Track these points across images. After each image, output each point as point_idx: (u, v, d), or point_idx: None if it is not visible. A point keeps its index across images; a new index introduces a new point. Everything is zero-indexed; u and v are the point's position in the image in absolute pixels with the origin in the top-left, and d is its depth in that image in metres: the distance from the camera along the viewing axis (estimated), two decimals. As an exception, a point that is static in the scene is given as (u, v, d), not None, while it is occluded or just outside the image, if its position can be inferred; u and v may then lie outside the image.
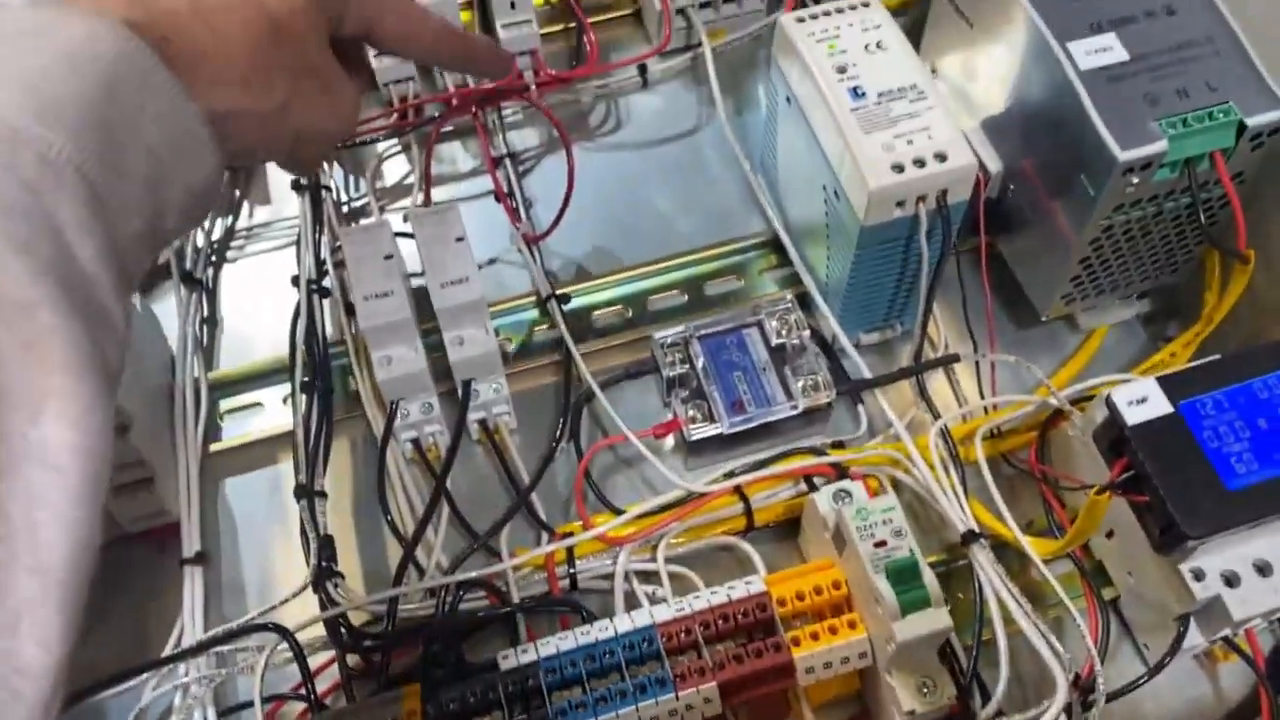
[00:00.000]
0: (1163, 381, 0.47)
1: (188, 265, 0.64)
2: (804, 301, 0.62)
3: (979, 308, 0.60)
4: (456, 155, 0.71)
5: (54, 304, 0.26)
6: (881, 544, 0.47)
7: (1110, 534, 0.51)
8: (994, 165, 0.59)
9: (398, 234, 0.57)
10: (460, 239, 0.55)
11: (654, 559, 0.53)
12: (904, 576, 0.45)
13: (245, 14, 0.36)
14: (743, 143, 0.68)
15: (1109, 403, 0.47)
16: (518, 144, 0.71)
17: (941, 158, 0.51)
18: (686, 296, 0.64)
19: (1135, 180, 0.51)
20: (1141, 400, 0.46)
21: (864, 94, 0.53)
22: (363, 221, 0.56)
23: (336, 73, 0.41)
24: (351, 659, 0.50)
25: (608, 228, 0.67)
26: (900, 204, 0.52)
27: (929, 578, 0.46)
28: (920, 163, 0.51)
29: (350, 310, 0.60)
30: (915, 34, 0.65)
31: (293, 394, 0.57)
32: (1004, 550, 0.53)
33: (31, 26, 0.31)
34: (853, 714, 0.51)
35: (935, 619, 0.45)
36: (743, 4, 0.72)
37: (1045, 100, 0.54)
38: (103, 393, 0.27)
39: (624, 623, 0.48)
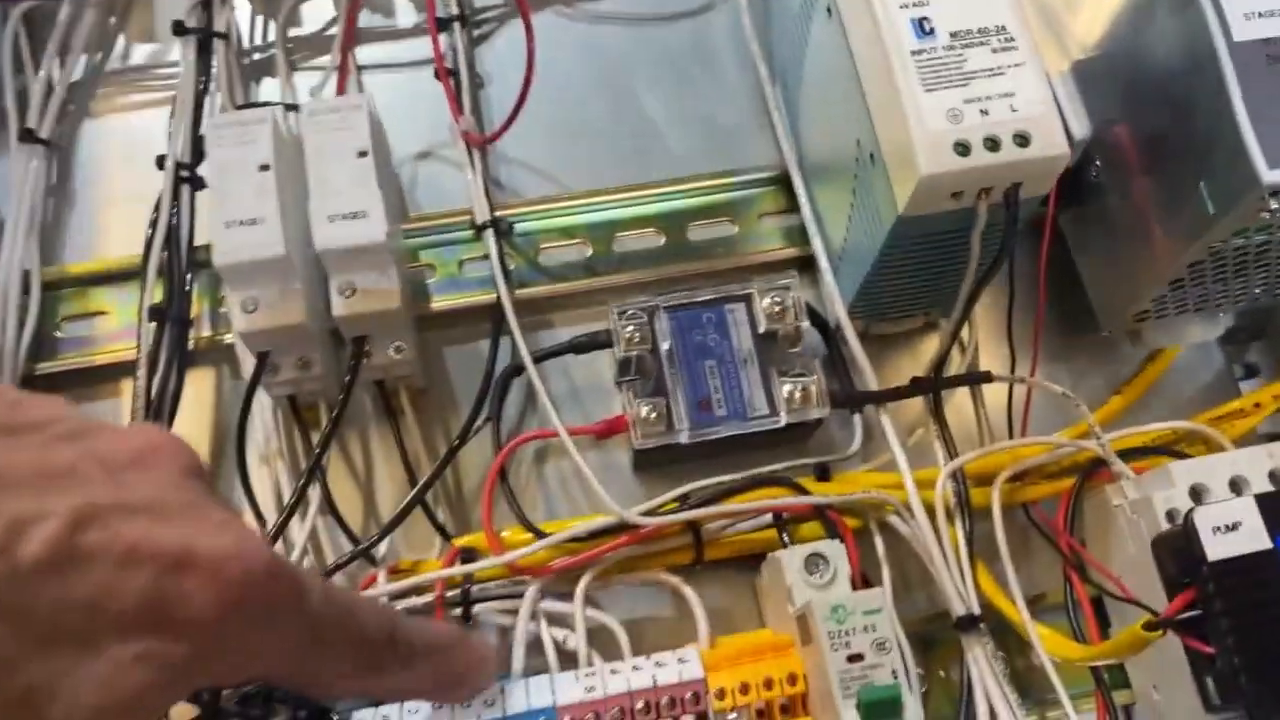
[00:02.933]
0: (1264, 503, 0.35)
1: (30, 120, 0.49)
2: (808, 264, 0.49)
3: (1024, 305, 0.48)
4: (397, 1, 0.55)
5: None
6: (858, 658, 0.36)
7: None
8: (1079, 129, 0.45)
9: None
10: (363, 154, 0.41)
11: (571, 597, 0.42)
12: (880, 711, 0.35)
13: None
14: (764, 37, 0.53)
15: (1189, 525, 0.35)
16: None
17: (1023, 140, 0.37)
18: (664, 238, 0.51)
19: (1276, 206, 0.37)
20: (1232, 527, 0.35)
21: (932, 30, 0.38)
22: (235, 114, 0.41)
23: None
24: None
25: (576, 132, 0.53)
26: (956, 195, 0.38)
27: (912, 714, 0.35)
28: (993, 144, 0.37)
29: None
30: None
31: (139, 321, 0.44)
32: (1002, 622, 0.43)
33: None
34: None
35: (911, 768, 0.35)
36: None
37: (1172, 64, 0.39)
38: None
39: (516, 697, 0.38)
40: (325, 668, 0.28)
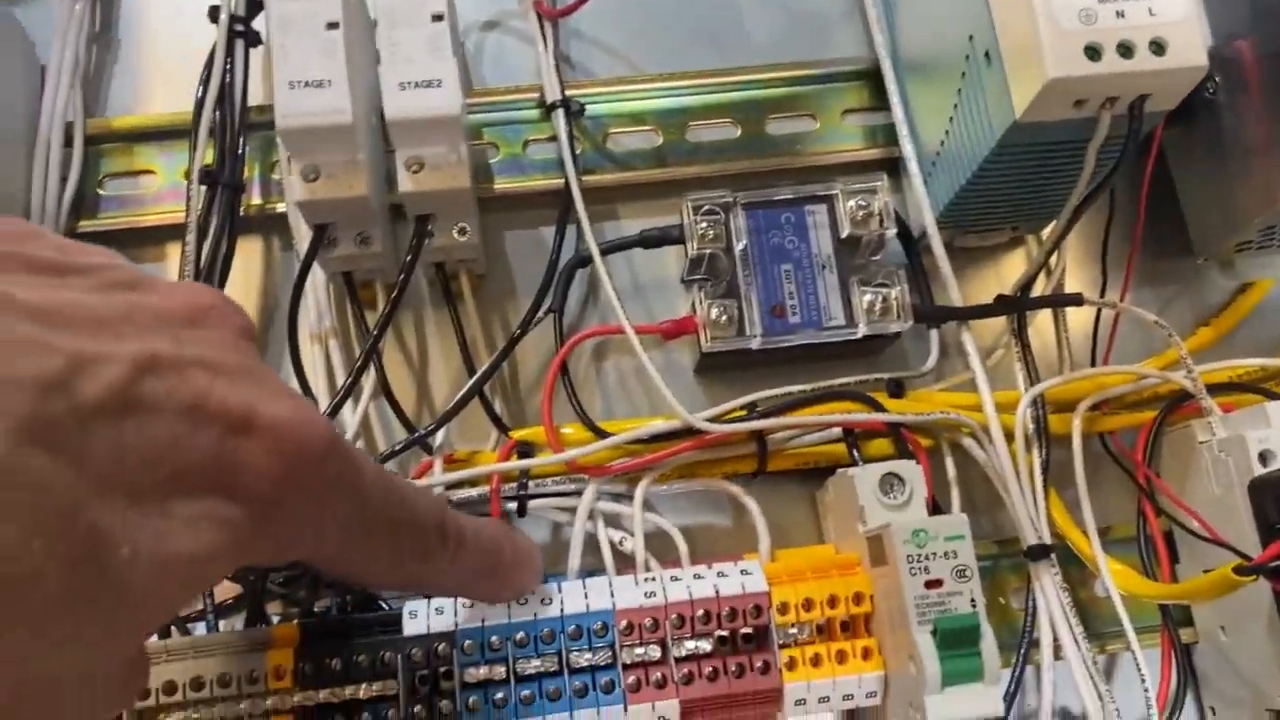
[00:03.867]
0: (1383, 452, 0.33)
1: (72, -42, 0.46)
2: (889, 168, 0.47)
3: (1119, 228, 0.45)
4: None
5: None
6: (936, 583, 0.35)
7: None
8: (1202, 40, 0.42)
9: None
10: (439, 18, 0.38)
11: (629, 498, 0.41)
12: (957, 640, 0.34)
13: None
14: (859, -81, 0.49)
15: (1300, 471, 0.33)
16: None
17: (1159, 48, 0.34)
18: (740, 130, 0.48)
19: None
20: (1346, 475, 0.33)
21: (1070, -82, 0.35)
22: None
23: None
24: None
25: (650, 12, 0.50)
26: (1079, 103, 0.35)
27: (989, 645, 0.34)
28: (1127, 50, 0.34)
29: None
30: None
31: (188, 182, 0.42)
32: (1068, 552, 0.42)
33: None
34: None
35: (983, 700, 0.34)
36: None
37: (1326, -23, 0.36)
38: None
39: (574, 597, 0.36)
40: (373, 553, 0.27)
